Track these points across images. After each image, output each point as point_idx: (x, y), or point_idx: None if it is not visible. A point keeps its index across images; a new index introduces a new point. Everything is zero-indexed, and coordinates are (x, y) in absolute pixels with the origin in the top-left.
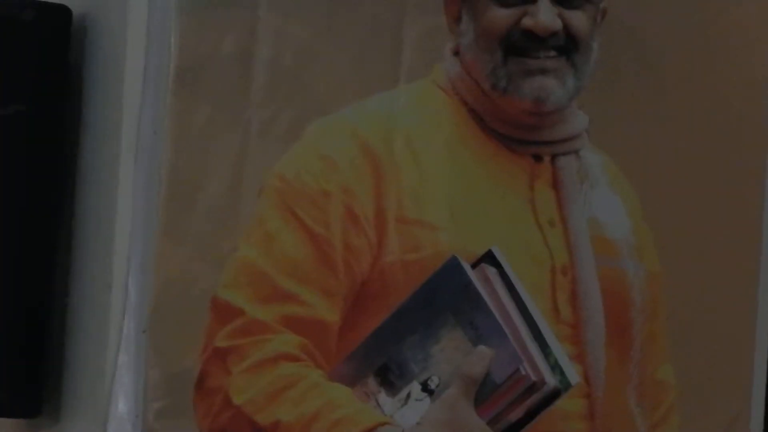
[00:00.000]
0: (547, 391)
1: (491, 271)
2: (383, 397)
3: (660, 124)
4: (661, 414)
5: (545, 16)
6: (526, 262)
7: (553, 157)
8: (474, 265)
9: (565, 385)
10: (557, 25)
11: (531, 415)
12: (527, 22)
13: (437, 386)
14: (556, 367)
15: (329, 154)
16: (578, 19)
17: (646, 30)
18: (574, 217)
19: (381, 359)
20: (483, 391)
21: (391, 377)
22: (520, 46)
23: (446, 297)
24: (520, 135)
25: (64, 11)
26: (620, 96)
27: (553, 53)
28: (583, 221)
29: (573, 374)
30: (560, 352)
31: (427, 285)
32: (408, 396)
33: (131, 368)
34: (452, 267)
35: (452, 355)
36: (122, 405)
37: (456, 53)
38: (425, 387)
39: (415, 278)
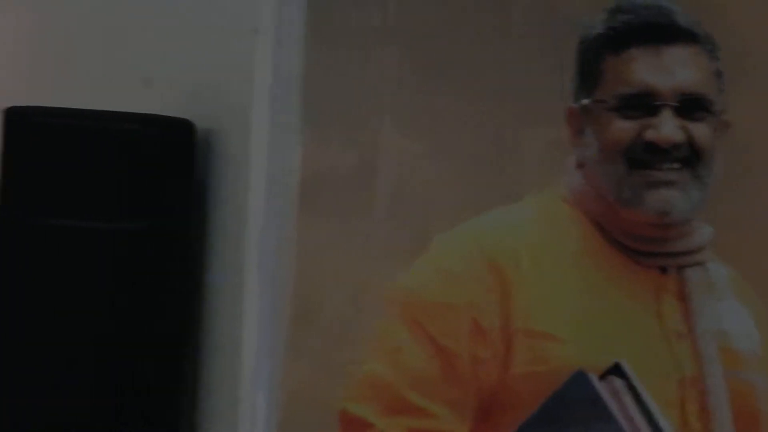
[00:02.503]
0: None
1: (619, 384)
2: None
3: None
4: None
5: (668, 128)
6: (654, 375)
7: (679, 269)
8: (601, 378)
9: None
10: (680, 136)
11: None
12: (650, 134)
13: None
14: None
15: (454, 267)
16: (701, 131)
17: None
18: (702, 328)
19: None
20: None
21: None
22: (643, 158)
23: (574, 411)
24: (645, 247)
25: (188, 126)
26: (743, 207)
27: (676, 165)
28: (711, 332)
29: None
30: None
31: (555, 398)
32: None
33: None
34: (579, 380)
35: None
36: None
37: (579, 166)
38: None
39: (542, 391)
